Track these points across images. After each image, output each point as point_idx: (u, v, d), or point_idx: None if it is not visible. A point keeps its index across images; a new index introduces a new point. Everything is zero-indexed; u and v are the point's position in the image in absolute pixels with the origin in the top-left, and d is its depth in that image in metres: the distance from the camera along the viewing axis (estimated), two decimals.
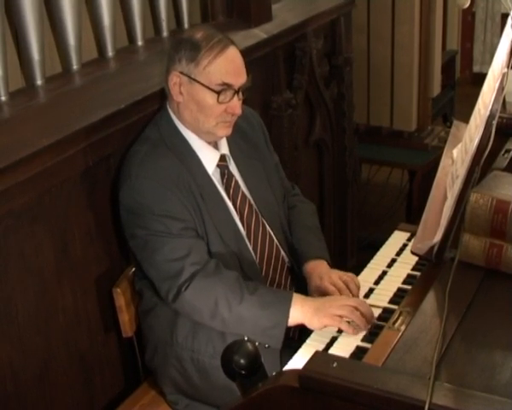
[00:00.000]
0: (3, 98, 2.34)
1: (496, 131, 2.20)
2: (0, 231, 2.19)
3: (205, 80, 2.40)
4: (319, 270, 2.59)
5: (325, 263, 2.64)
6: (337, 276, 2.52)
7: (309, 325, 2.30)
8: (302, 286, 2.63)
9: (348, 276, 2.50)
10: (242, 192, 2.60)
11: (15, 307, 2.28)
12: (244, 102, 2.51)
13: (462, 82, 7.76)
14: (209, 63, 2.40)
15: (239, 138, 2.65)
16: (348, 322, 2.24)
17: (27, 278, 2.32)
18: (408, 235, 2.74)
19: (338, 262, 2.64)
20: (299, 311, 2.31)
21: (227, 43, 2.44)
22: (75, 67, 2.62)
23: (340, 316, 2.24)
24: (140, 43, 2.92)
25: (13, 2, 2.36)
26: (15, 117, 2.28)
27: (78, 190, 2.48)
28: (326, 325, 2.27)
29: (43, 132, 2.24)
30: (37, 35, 2.42)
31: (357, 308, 2.23)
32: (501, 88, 2.15)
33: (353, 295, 2.43)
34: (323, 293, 2.49)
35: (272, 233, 2.65)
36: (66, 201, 2.43)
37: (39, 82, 2.48)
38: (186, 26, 3.15)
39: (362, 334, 2.21)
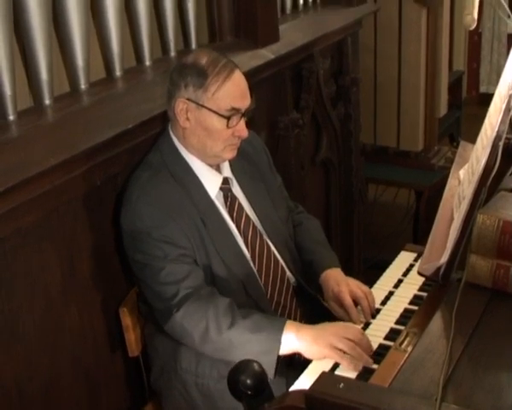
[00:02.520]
0: (12, 117, 2.35)
1: (502, 152, 2.21)
2: (7, 249, 2.19)
3: (213, 106, 2.41)
4: (336, 276, 2.59)
5: (340, 271, 2.64)
6: (355, 284, 2.51)
7: (306, 354, 2.25)
8: (308, 308, 2.63)
9: (365, 288, 2.50)
10: (246, 214, 2.60)
11: (22, 325, 2.28)
12: (247, 123, 2.52)
13: (469, 102, 7.78)
14: (217, 89, 2.40)
15: (242, 160, 2.65)
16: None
17: (34, 296, 2.32)
18: (414, 255, 2.74)
19: None
20: (294, 338, 2.26)
21: (232, 68, 2.45)
22: (83, 86, 2.63)
23: (339, 349, 2.18)
24: (148, 63, 2.92)
25: (22, 22, 2.37)
26: (23, 136, 2.28)
27: (86, 209, 2.48)
28: (325, 356, 2.20)
29: (51, 151, 2.24)
30: (46, 54, 2.43)
31: (357, 344, 2.18)
32: (507, 109, 2.16)
33: (371, 309, 2.43)
34: (340, 302, 2.49)
35: (277, 254, 2.65)
36: (73, 219, 2.44)
37: (47, 101, 2.49)
38: (194, 46, 3.17)
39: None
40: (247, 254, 2.57)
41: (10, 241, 2.20)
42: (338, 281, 2.55)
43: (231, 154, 2.52)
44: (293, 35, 3.61)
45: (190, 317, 2.35)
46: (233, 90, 2.42)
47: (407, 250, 2.80)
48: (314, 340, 2.23)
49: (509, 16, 3.07)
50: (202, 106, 2.41)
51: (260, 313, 2.42)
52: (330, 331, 2.25)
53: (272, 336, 2.28)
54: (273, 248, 2.64)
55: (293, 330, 2.28)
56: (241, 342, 2.30)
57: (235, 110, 2.43)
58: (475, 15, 3.03)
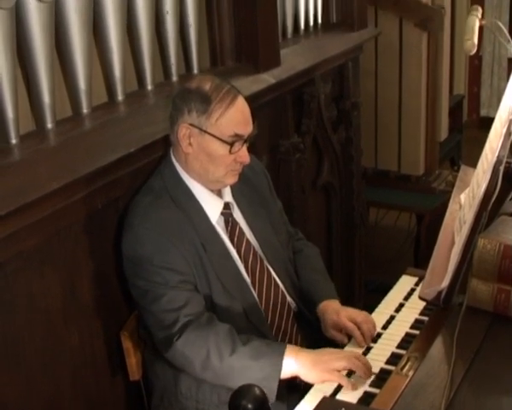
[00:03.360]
0: (14, 141, 2.35)
1: (503, 177, 2.22)
2: (9, 272, 2.20)
3: (217, 132, 2.41)
4: (334, 306, 2.59)
5: (338, 302, 2.64)
6: (354, 311, 2.52)
7: (306, 378, 2.25)
8: (309, 333, 2.63)
9: (364, 314, 2.50)
10: (247, 239, 2.60)
11: (23, 348, 2.28)
12: (249, 147, 2.52)
13: (470, 126, 7.80)
14: (221, 115, 2.41)
15: (242, 185, 2.65)
16: (348, 376, 2.21)
17: (35, 319, 2.32)
18: (416, 279, 2.74)
19: (345, 306, 2.64)
20: (294, 363, 2.27)
21: (236, 94, 2.45)
22: (85, 110, 2.64)
23: (339, 370, 2.21)
24: (149, 87, 2.93)
25: (25, 46, 2.38)
26: (25, 160, 2.28)
27: (87, 233, 2.49)
28: (325, 380, 2.22)
29: (53, 175, 2.24)
30: (48, 79, 2.44)
31: (357, 358, 2.21)
32: (508, 134, 2.17)
33: (371, 333, 2.43)
34: (340, 329, 2.49)
35: (278, 279, 2.65)
36: (74, 243, 2.44)
37: (50, 125, 2.49)
38: (195, 70, 3.18)
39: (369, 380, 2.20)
40: (248, 279, 2.57)
41: (11, 264, 2.20)
42: (336, 310, 2.55)
43: (233, 179, 2.53)
44: (294, 59, 3.62)
45: (191, 345, 2.35)
46: (236, 117, 2.43)
47: (408, 274, 2.81)
48: (313, 365, 2.24)
49: (508, 41, 3.08)
50: (205, 132, 2.42)
51: (260, 339, 2.42)
52: (329, 356, 2.26)
53: (273, 362, 2.28)
54: (273, 273, 2.64)
55: (293, 355, 2.28)
56: (243, 368, 2.30)
57: (237, 136, 2.43)
58: (475, 40, 3.03)
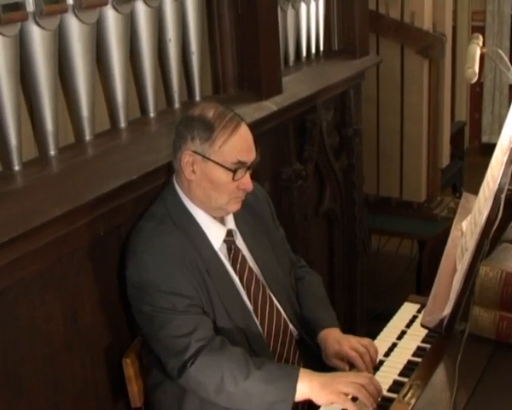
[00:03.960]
0: (17, 168, 2.36)
1: (505, 204, 2.22)
2: (11, 299, 2.20)
3: (220, 159, 2.42)
4: (335, 335, 2.58)
5: (339, 330, 2.63)
6: (356, 340, 2.51)
7: (316, 401, 2.27)
8: (311, 360, 2.62)
9: (366, 341, 2.50)
10: (249, 267, 2.60)
11: (24, 374, 2.27)
12: (252, 175, 2.53)
13: (471, 152, 7.83)
14: (224, 143, 2.41)
15: (245, 212, 2.65)
16: (355, 399, 2.21)
17: (37, 346, 2.31)
18: (418, 307, 2.74)
19: (348, 333, 2.64)
20: (307, 386, 2.28)
21: (239, 121, 2.46)
22: (88, 137, 2.65)
23: (346, 394, 2.21)
24: (152, 114, 2.95)
25: (28, 73, 2.40)
26: (28, 187, 2.29)
27: (89, 259, 2.49)
28: (332, 402, 2.23)
29: (56, 202, 2.25)
30: (51, 106, 2.45)
31: (364, 387, 2.21)
32: (509, 162, 2.17)
33: (372, 361, 2.43)
34: (342, 358, 2.49)
35: (280, 307, 2.64)
36: (76, 269, 2.44)
37: (52, 152, 2.50)
38: (198, 98, 3.19)
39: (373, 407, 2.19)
40: (250, 306, 2.56)
41: (13, 291, 2.20)
42: (338, 339, 2.54)
43: (236, 206, 2.53)
44: (296, 87, 3.63)
45: (205, 370, 2.34)
46: (239, 144, 2.44)
47: (410, 301, 2.81)
48: (322, 387, 2.26)
49: (509, 69, 3.09)
50: (208, 159, 2.43)
51: (273, 362, 2.46)
52: (339, 379, 2.28)
53: (287, 386, 2.29)
54: (275, 301, 2.64)
55: (307, 379, 2.29)
56: (257, 392, 2.31)
57: (241, 163, 2.44)
58: (476, 69, 3.04)
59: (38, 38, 2.36)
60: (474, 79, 3.08)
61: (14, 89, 2.28)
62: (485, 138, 8.44)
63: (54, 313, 2.37)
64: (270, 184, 3.48)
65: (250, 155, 2.47)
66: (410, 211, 5.22)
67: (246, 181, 2.48)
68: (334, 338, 2.56)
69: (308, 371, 2.36)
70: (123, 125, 2.80)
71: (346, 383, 2.23)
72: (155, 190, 2.63)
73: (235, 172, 2.44)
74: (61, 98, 2.61)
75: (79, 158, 2.53)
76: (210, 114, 2.44)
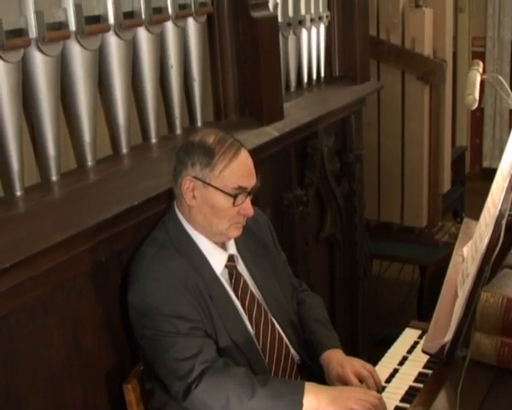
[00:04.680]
0: (19, 193, 2.37)
1: (505, 230, 2.22)
2: (12, 324, 2.20)
3: (220, 185, 2.43)
4: (338, 357, 2.58)
5: (341, 352, 2.63)
6: (359, 364, 2.51)
7: None
8: None
9: (369, 368, 2.49)
10: (251, 292, 2.60)
11: (25, 399, 2.27)
12: (253, 200, 2.54)
13: (472, 177, 7.83)
14: (224, 168, 2.42)
15: (246, 237, 2.65)
16: None
17: (38, 371, 2.31)
18: (419, 332, 2.74)
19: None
20: (314, 400, 2.28)
21: (239, 147, 2.47)
22: (90, 163, 2.65)
23: None
24: (154, 140, 2.95)
25: (30, 99, 2.41)
26: (30, 212, 2.30)
27: (91, 285, 2.49)
28: None
29: (57, 228, 2.26)
30: (53, 131, 2.45)
31: (374, 408, 2.21)
32: (510, 188, 2.18)
33: (377, 385, 2.43)
34: (345, 382, 2.48)
35: (281, 332, 2.64)
36: (78, 295, 2.44)
37: (54, 178, 2.51)
38: (199, 123, 3.20)
39: None
40: (252, 331, 2.56)
41: (15, 316, 2.20)
42: (341, 362, 2.54)
43: (237, 232, 2.53)
44: (297, 113, 3.65)
45: (210, 392, 2.33)
46: (239, 169, 2.45)
47: (412, 327, 2.80)
48: (331, 401, 2.26)
49: (509, 95, 3.10)
50: (209, 184, 2.43)
51: (278, 379, 2.47)
52: (348, 394, 2.29)
53: (294, 400, 2.29)
54: (277, 325, 2.63)
55: (313, 393, 2.30)
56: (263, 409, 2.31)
57: (241, 189, 2.45)
58: (477, 95, 3.05)
59: (41, 64, 2.37)
60: (475, 106, 3.09)
61: (16, 114, 2.29)
62: (486, 163, 8.45)
63: (55, 338, 2.37)
64: (272, 210, 3.49)
65: (250, 181, 2.48)
66: (411, 236, 5.22)
67: (246, 206, 2.48)
68: (337, 361, 2.55)
69: (314, 384, 2.36)
70: (124, 150, 2.81)
71: (356, 399, 2.24)
72: (157, 216, 2.64)
73: (235, 197, 2.44)
74: (62, 124, 2.62)
75: (81, 183, 2.53)
76: (210, 139, 2.45)
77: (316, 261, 3.92)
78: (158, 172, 2.72)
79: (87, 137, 2.62)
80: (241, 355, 2.50)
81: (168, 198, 2.65)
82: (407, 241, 5.22)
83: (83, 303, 2.46)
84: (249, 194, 2.49)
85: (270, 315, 2.62)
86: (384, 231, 5.27)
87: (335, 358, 2.57)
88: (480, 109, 8.09)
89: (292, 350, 2.65)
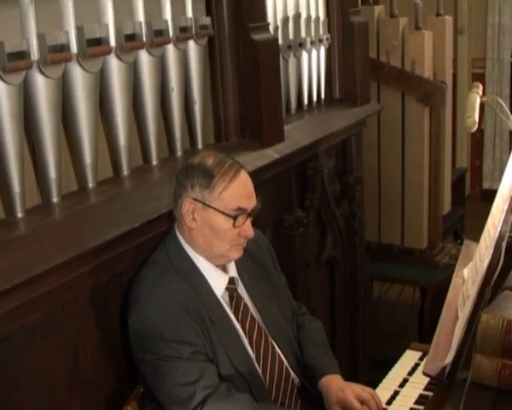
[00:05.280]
0: (20, 215, 2.37)
1: (506, 251, 2.23)
2: (13, 345, 2.20)
3: (220, 206, 2.43)
4: (337, 382, 2.58)
5: (340, 377, 2.62)
6: (360, 388, 2.51)
7: None
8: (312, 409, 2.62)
9: (370, 392, 2.49)
10: (251, 315, 2.60)
11: None
12: (253, 222, 2.54)
13: (473, 198, 7.84)
14: (224, 189, 2.43)
15: (247, 260, 2.65)
16: None
17: (38, 393, 2.30)
18: (420, 354, 2.74)
19: (349, 380, 2.63)
20: None
21: (238, 168, 2.48)
22: (91, 185, 2.66)
23: None
24: (154, 162, 2.96)
25: (32, 121, 2.42)
26: (31, 234, 2.30)
27: (91, 307, 2.49)
28: None
29: (58, 249, 2.26)
30: (55, 153, 2.46)
31: None
32: (509, 210, 2.18)
33: (378, 408, 2.43)
34: (346, 407, 2.48)
35: (282, 355, 2.63)
36: (78, 317, 2.44)
37: (55, 199, 2.51)
38: (200, 146, 3.21)
39: None
40: (252, 354, 2.55)
41: (15, 338, 2.20)
42: (341, 387, 2.54)
43: (237, 254, 2.53)
44: (298, 135, 3.66)
45: None
46: (239, 191, 2.45)
47: (412, 349, 2.81)
48: None
49: (508, 117, 3.12)
50: (209, 206, 2.44)
51: (279, 407, 2.47)
52: None
53: None
54: (277, 349, 2.63)
55: None
56: None
57: (241, 210, 2.45)
58: (476, 118, 3.07)
59: (42, 86, 2.38)
60: (474, 128, 3.10)
61: (17, 136, 2.30)
62: (486, 185, 8.46)
63: (55, 359, 2.37)
64: (272, 232, 3.49)
65: (250, 202, 2.48)
66: (411, 258, 5.22)
67: (247, 228, 2.49)
68: (337, 386, 2.55)
69: None
70: (125, 172, 2.81)
71: None
72: (157, 238, 2.64)
73: (235, 218, 2.44)
74: (64, 145, 2.63)
75: (82, 205, 2.54)
76: (209, 161, 2.46)
77: (316, 283, 3.92)
78: (159, 194, 2.72)
79: (88, 158, 2.62)
80: (241, 379, 2.49)
81: (169, 220, 2.65)
82: (407, 262, 5.22)
83: (83, 325, 2.46)
84: (249, 215, 2.49)
85: (270, 338, 2.62)
86: (384, 253, 5.28)
87: (335, 383, 2.57)
88: (480, 131, 8.11)
89: (292, 373, 2.65)
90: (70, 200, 2.57)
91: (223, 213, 2.44)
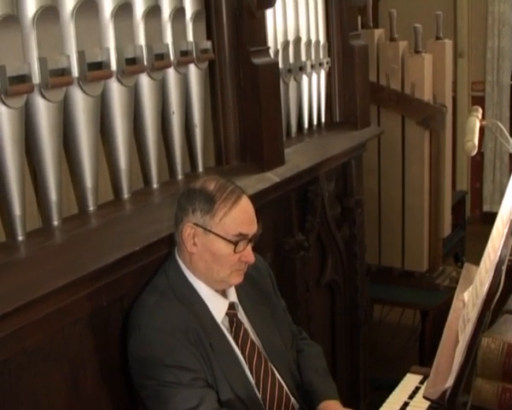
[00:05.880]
0: (20, 238, 2.37)
1: (506, 274, 2.22)
2: (13, 369, 2.19)
3: (221, 231, 2.43)
4: (336, 408, 2.58)
5: (339, 402, 2.62)
6: None
7: None
8: None
9: None
10: (251, 340, 2.59)
11: None
12: (253, 246, 2.54)
13: (473, 221, 7.83)
14: (225, 215, 2.42)
15: (247, 284, 2.64)
16: None
17: None
18: (420, 377, 2.74)
19: (350, 403, 2.63)
20: None
21: (240, 194, 2.48)
22: (91, 208, 2.66)
23: None
24: (155, 185, 2.96)
25: (33, 144, 2.42)
26: (31, 257, 2.30)
27: (91, 330, 2.49)
28: None
29: (59, 273, 2.26)
30: (55, 176, 2.46)
31: None
32: (509, 233, 2.18)
33: None
34: None
35: (281, 380, 2.62)
36: (78, 340, 2.44)
37: (56, 222, 2.51)
38: (200, 169, 3.21)
39: None
40: (252, 380, 2.55)
41: (15, 361, 2.19)
42: None
43: (238, 279, 2.53)
44: (298, 158, 3.66)
45: None
46: (240, 216, 2.45)
47: (413, 372, 2.80)
48: None
49: (508, 141, 3.12)
50: (210, 231, 2.44)
51: None
52: None
53: None
54: (277, 374, 2.62)
55: None
56: None
57: (242, 236, 2.45)
58: (476, 142, 3.07)
59: (43, 110, 2.39)
60: (474, 152, 3.10)
61: (18, 159, 2.30)
62: (486, 207, 8.46)
63: (55, 382, 2.36)
64: (273, 255, 3.49)
65: (251, 228, 2.48)
66: (412, 281, 5.22)
67: (247, 253, 2.48)
68: None
69: None
70: (126, 195, 2.81)
71: None
72: (158, 261, 2.64)
73: (236, 244, 2.44)
74: (64, 168, 2.63)
75: (83, 228, 2.54)
76: (211, 186, 2.46)
77: (317, 306, 3.91)
78: (159, 217, 2.72)
79: (89, 182, 2.63)
80: (241, 404, 2.48)
81: (169, 244, 2.65)
82: (408, 285, 5.22)
83: (83, 348, 2.46)
84: (250, 241, 2.49)
85: (270, 363, 2.61)
86: (385, 276, 5.28)
87: (333, 408, 2.57)
88: (480, 153, 8.11)
89: (292, 399, 2.64)
90: (71, 223, 2.57)
91: (224, 238, 2.44)
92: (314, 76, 4.15)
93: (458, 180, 8.18)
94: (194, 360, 2.40)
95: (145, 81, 2.83)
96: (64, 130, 2.53)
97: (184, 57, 3.01)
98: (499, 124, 3.21)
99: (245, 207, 2.48)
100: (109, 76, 2.62)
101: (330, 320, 4.28)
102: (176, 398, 2.35)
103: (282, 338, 2.73)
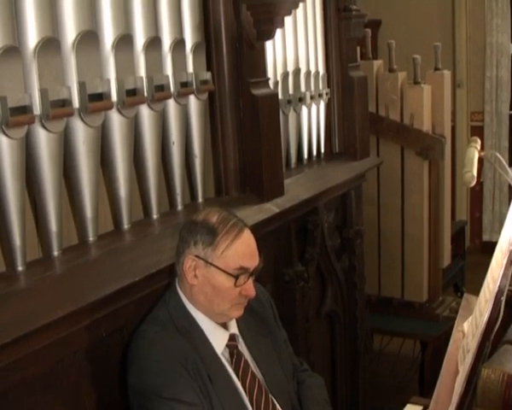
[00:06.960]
0: (20, 268, 2.37)
1: (506, 304, 2.22)
2: (12, 399, 2.18)
3: (222, 265, 2.42)
4: None
5: None
6: None
7: None
8: None
9: None
10: (252, 372, 2.58)
11: None
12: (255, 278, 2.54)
13: (473, 251, 7.83)
14: (226, 248, 2.42)
15: (248, 316, 2.62)
16: None
17: None
18: (420, 408, 2.73)
19: None
20: None
21: (242, 227, 2.47)
22: (91, 238, 2.67)
23: None
24: (155, 216, 2.97)
25: (33, 175, 2.43)
26: (31, 287, 2.30)
27: (91, 361, 2.48)
28: None
29: (58, 303, 2.26)
30: (56, 207, 2.47)
31: None
32: (509, 264, 2.19)
33: None
34: None
35: None
36: (78, 370, 2.43)
37: (56, 253, 2.52)
38: (200, 200, 3.22)
39: None
40: None
41: (15, 391, 2.19)
42: None
43: (238, 312, 2.52)
44: (297, 189, 3.67)
45: None
46: (242, 250, 2.44)
47: (413, 403, 2.79)
48: None
49: (507, 173, 3.13)
50: (211, 264, 2.43)
51: None
52: None
53: None
54: (278, 406, 2.60)
55: None
56: None
57: (243, 269, 2.44)
58: (475, 172, 3.08)
59: (44, 141, 2.40)
60: (473, 183, 3.11)
61: (19, 190, 2.31)
62: (486, 237, 8.46)
63: None
64: (272, 286, 3.49)
65: (253, 261, 2.47)
66: (411, 311, 5.22)
67: (248, 287, 2.47)
68: None
69: None
70: (126, 226, 2.82)
71: None
72: (158, 292, 2.64)
73: (237, 277, 2.43)
74: (65, 199, 2.64)
75: (83, 259, 2.54)
76: (213, 219, 2.46)
77: (316, 337, 3.91)
78: (159, 248, 2.73)
79: (89, 212, 2.63)
80: None
81: (169, 274, 2.65)
82: (408, 316, 5.21)
83: (83, 379, 2.46)
84: (251, 274, 2.48)
85: (270, 395, 2.59)
86: (385, 306, 5.27)
87: None
88: (480, 183, 8.13)
89: None
90: (71, 253, 2.58)
91: (225, 271, 2.43)
92: (313, 107, 4.17)
93: (458, 210, 8.19)
94: (193, 393, 2.39)
95: (145, 112, 2.85)
96: (64, 160, 2.54)
97: (184, 88, 3.03)
98: (498, 155, 3.22)
99: (247, 241, 2.47)
100: (110, 107, 2.64)
101: (330, 351, 4.28)
102: None
103: (283, 370, 2.71)
